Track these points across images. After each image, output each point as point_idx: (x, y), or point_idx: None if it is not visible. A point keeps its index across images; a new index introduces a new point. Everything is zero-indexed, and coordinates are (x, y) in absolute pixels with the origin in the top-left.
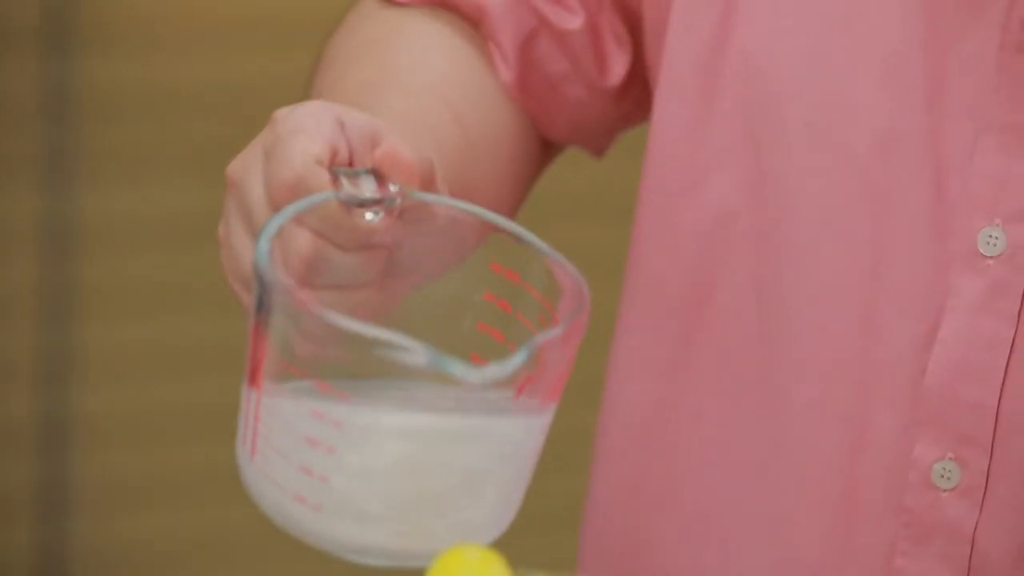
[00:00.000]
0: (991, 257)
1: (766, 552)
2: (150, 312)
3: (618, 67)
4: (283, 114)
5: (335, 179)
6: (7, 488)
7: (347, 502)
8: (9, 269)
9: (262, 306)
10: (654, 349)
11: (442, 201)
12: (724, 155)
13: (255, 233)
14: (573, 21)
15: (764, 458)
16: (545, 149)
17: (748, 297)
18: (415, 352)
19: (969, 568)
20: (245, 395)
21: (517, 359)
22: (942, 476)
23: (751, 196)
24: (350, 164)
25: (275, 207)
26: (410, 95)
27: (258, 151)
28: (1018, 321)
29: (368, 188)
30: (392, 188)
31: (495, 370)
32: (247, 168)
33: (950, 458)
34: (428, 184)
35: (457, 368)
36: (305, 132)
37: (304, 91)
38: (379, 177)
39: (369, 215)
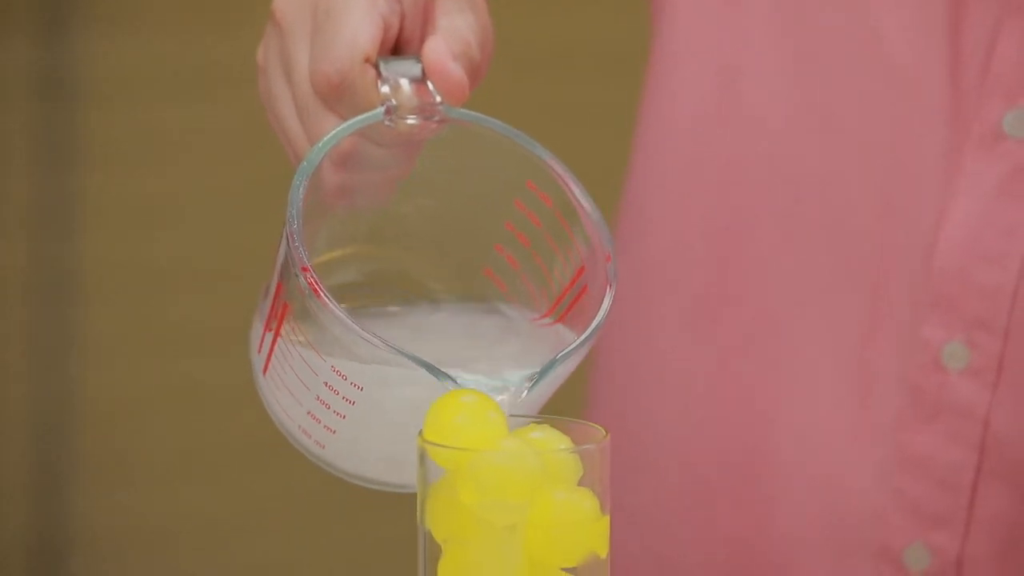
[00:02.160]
0: (1016, 139)
1: (778, 420)
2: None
3: None
4: None
5: (380, 74)
6: (3, 470)
7: (351, 450)
8: (4, 116)
9: (286, 269)
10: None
11: (486, 123)
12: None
13: (294, 92)
14: None
15: (774, 326)
16: None
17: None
18: (418, 370)
19: (983, 447)
20: (261, 322)
21: (530, 388)
22: (951, 356)
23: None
24: (400, 37)
25: (315, 90)
26: None
27: (308, 6)
28: None
29: (412, 78)
30: (436, 97)
31: (504, 400)
32: (292, 21)
33: (960, 340)
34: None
35: (463, 384)
36: (357, 10)
37: None
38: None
39: (411, 120)
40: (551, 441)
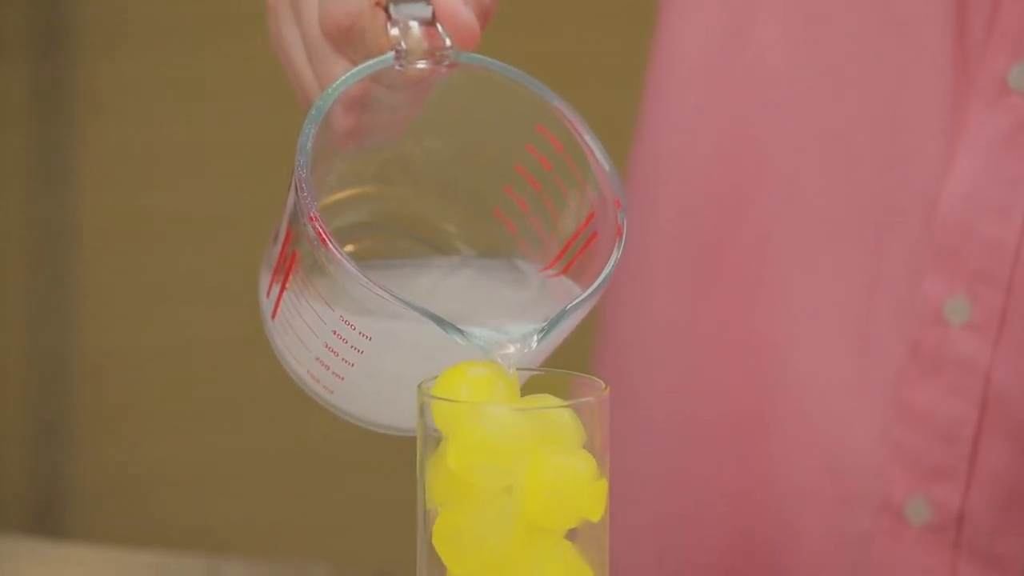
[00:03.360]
0: (1021, 93)
1: (779, 374)
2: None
3: None
4: None
5: (390, 16)
6: (2, 421)
7: (360, 396)
8: (2, 67)
9: (295, 217)
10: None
11: (496, 67)
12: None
13: (303, 34)
14: None
15: (776, 279)
16: None
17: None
18: (427, 322)
19: (984, 402)
20: (270, 267)
21: (539, 341)
22: (953, 311)
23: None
24: None
25: (325, 33)
26: None
27: None
28: None
29: (422, 20)
30: (446, 41)
31: (512, 353)
32: None
33: (962, 295)
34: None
35: (472, 340)
36: None
37: None
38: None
39: (421, 64)
40: (550, 400)
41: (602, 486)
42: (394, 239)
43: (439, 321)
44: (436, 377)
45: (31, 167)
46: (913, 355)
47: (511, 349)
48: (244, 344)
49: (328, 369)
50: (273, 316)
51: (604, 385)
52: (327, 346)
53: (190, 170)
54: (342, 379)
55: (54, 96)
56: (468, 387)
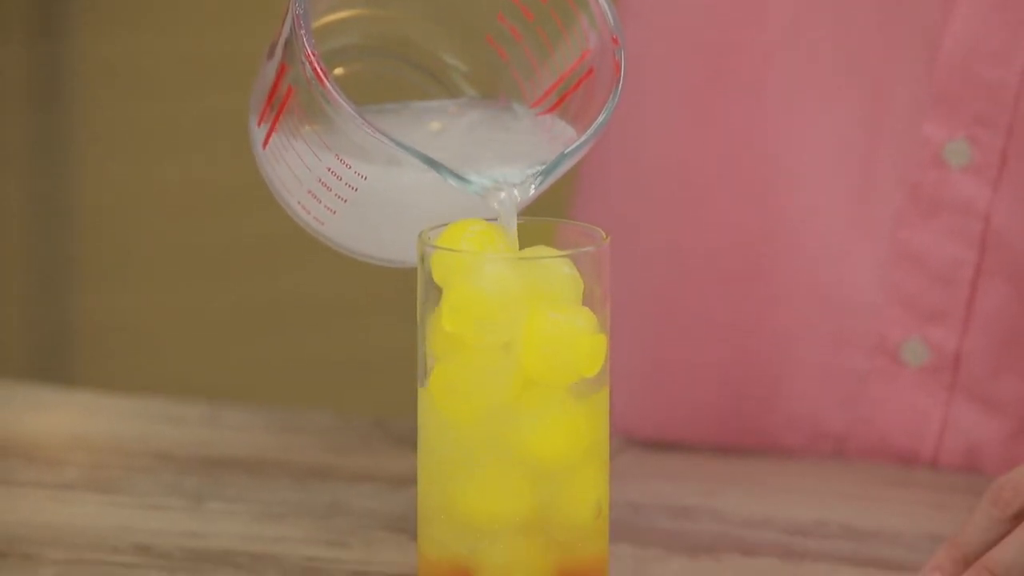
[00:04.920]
0: None
1: (776, 213)
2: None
3: None
4: None
5: None
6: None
7: (351, 229)
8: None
9: (291, 52)
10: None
11: None
12: None
13: None
14: None
15: (776, 119)
16: None
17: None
18: (425, 167)
19: (983, 244)
20: (263, 96)
21: (538, 184)
22: (953, 153)
23: None
24: None
25: None
26: None
27: None
28: None
29: None
30: None
31: (509, 197)
32: None
33: (962, 137)
34: None
35: (468, 186)
36: None
37: None
38: None
39: None
40: (548, 251)
41: (601, 341)
42: (384, 62)
43: (435, 165)
44: (437, 226)
45: (31, 16)
46: (912, 197)
47: (507, 194)
48: (246, 192)
49: (320, 203)
50: (264, 145)
51: (604, 235)
52: (320, 181)
53: (188, 17)
54: (334, 213)
55: None
56: (467, 242)
